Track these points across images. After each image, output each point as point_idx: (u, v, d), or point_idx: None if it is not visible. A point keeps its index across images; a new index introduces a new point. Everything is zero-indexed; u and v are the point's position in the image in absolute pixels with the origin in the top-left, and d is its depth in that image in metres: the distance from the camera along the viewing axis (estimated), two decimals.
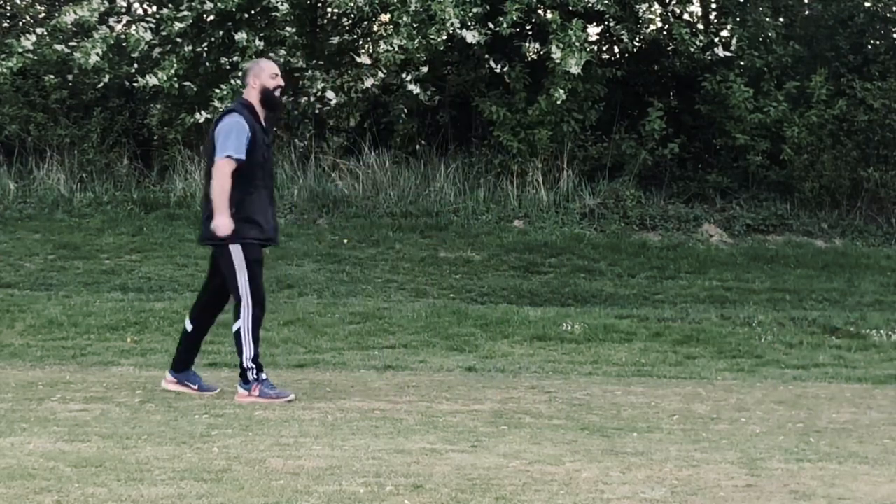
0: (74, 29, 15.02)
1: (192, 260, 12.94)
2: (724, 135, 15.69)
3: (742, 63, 15.73)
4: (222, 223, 7.66)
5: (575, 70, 14.38)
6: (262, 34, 14.96)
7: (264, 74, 7.91)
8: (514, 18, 14.53)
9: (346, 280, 12.71)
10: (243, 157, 7.70)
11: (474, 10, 14.49)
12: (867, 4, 16.47)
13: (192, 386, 8.08)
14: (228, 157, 7.67)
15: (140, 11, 16.08)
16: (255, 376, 7.80)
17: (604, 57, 16.65)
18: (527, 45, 15.39)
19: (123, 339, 9.92)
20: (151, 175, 15.68)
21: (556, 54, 14.44)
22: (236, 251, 7.74)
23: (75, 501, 5.10)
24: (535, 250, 13.90)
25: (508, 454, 6.21)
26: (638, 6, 15.59)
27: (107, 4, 14.92)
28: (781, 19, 16.48)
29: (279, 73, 8.00)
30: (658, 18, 16.21)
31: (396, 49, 14.55)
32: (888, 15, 16.53)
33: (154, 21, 14.98)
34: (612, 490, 5.48)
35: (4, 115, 15.58)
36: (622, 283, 13.19)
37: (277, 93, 7.93)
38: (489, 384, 8.67)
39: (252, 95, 7.93)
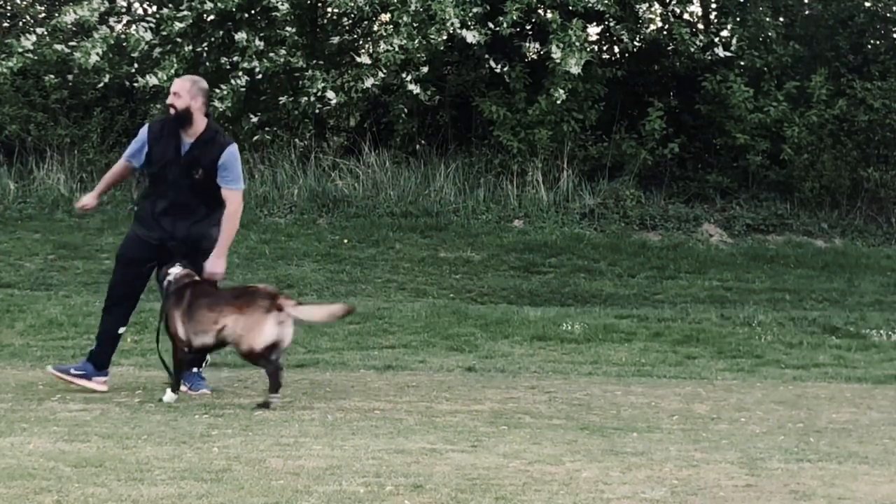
0: (74, 29, 15.01)
1: None
2: (724, 135, 15.69)
3: (742, 63, 15.72)
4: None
5: (575, 70, 14.38)
6: (262, 34, 14.96)
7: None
8: (514, 18, 14.52)
9: (346, 280, 12.71)
10: (132, 163, 8.19)
11: (474, 10, 14.49)
12: (867, 4, 16.47)
13: (185, 384, 8.07)
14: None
15: (140, 11, 16.07)
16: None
17: (604, 57, 16.64)
18: (527, 45, 15.39)
19: (123, 339, 9.90)
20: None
21: (556, 54, 14.43)
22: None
23: (75, 501, 5.11)
24: (535, 250, 13.90)
25: (508, 454, 6.21)
26: (638, 6, 15.59)
27: (107, 4, 14.91)
28: (781, 19, 16.47)
29: (173, 90, 8.00)
30: (658, 18, 16.20)
31: (396, 49, 14.55)
32: (888, 15, 16.52)
33: (154, 21, 14.97)
34: (612, 490, 5.48)
35: (4, 115, 15.57)
36: (622, 283, 13.19)
37: (170, 110, 8.03)
38: (489, 384, 8.67)
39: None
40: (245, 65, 14.71)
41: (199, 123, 7.97)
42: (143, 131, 8.14)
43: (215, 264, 7.93)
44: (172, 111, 7.99)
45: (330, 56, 15.96)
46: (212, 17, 15.22)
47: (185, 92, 7.96)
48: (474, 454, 6.20)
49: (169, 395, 7.67)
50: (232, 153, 8.00)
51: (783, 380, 9.26)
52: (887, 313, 11.95)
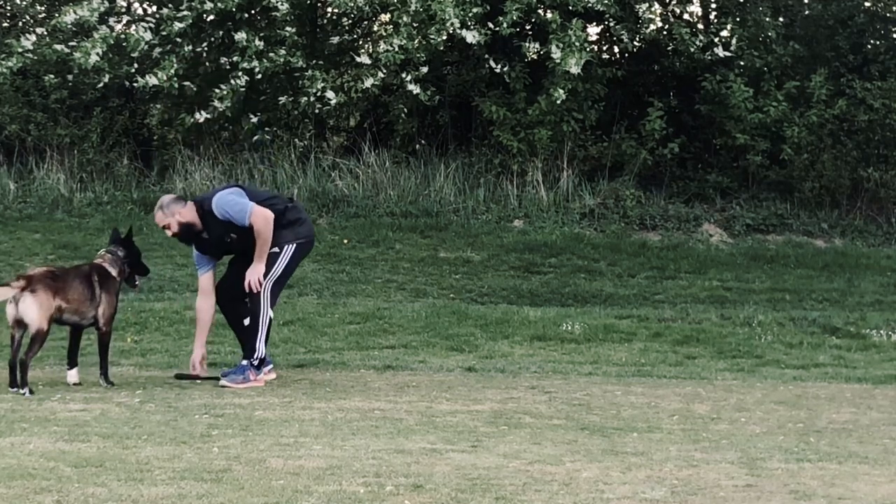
0: (74, 29, 14.99)
1: (192, 260, 12.91)
2: (724, 135, 15.69)
3: (742, 63, 15.72)
4: None
5: (575, 70, 14.38)
6: (262, 34, 14.95)
7: None
8: (514, 18, 14.52)
9: (346, 280, 12.71)
10: (205, 270, 8.73)
11: (474, 10, 14.49)
12: (867, 4, 16.47)
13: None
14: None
15: (140, 11, 16.06)
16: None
17: (604, 57, 16.63)
18: (527, 45, 15.38)
19: (123, 339, 9.92)
20: (151, 175, 15.67)
21: (556, 54, 14.43)
22: None
23: (75, 501, 5.11)
24: (535, 250, 13.90)
25: (508, 454, 6.21)
26: (638, 6, 15.59)
27: (107, 4, 14.90)
28: (781, 19, 16.48)
29: (159, 223, 8.63)
30: (658, 18, 16.20)
31: (396, 49, 14.55)
32: (888, 15, 16.53)
33: (154, 21, 14.96)
34: (612, 490, 5.48)
35: (4, 115, 15.56)
36: (622, 283, 13.19)
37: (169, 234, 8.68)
38: (489, 384, 8.67)
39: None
40: (245, 65, 14.71)
41: (195, 217, 8.44)
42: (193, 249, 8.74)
43: (251, 270, 8.34)
44: (179, 237, 8.59)
45: (330, 56, 15.95)
46: (212, 17, 15.21)
47: (164, 218, 8.49)
48: (474, 454, 6.20)
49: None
50: (218, 206, 8.37)
51: (783, 380, 9.26)
52: (887, 313, 11.94)
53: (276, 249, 8.38)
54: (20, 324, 7.91)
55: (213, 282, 8.63)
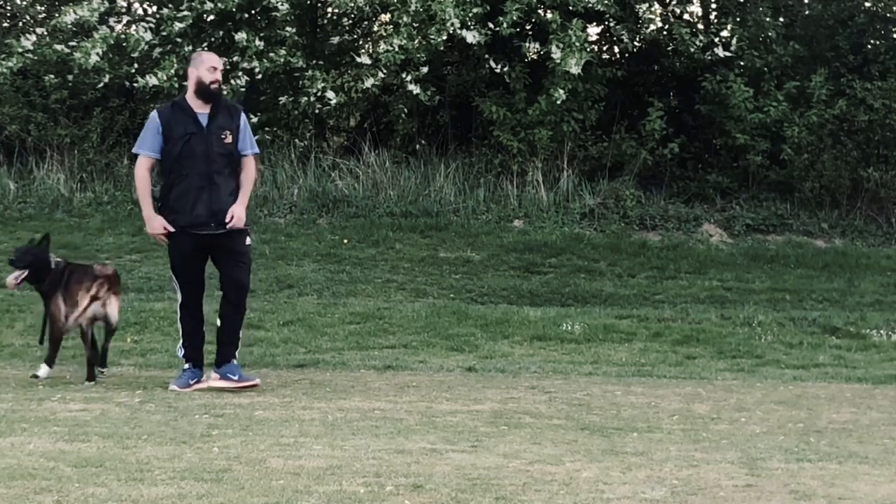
0: (74, 29, 15.00)
1: None
2: (724, 135, 15.69)
3: (742, 63, 15.73)
4: (146, 220, 8.31)
5: (575, 70, 14.38)
6: (262, 34, 14.96)
7: (202, 67, 8.13)
8: (514, 18, 14.53)
9: (346, 280, 12.71)
10: (149, 153, 8.22)
11: (474, 10, 14.50)
12: (867, 4, 16.47)
13: (233, 377, 8.26)
14: (138, 153, 8.31)
15: (140, 11, 16.07)
16: (184, 366, 8.27)
17: (604, 57, 16.64)
18: (527, 45, 15.39)
19: (123, 339, 9.92)
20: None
21: (556, 54, 14.44)
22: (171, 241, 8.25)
23: (75, 501, 5.11)
24: (535, 250, 13.90)
25: (508, 454, 6.21)
26: (638, 6, 15.60)
27: (107, 4, 14.92)
28: (781, 19, 16.48)
29: (218, 67, 8.17)
30: (658, 18, 16.21)
31: (396, 49, 14.55)
32: (888, 15, 16.53)
33: (154, 21, 14.98)
34: (612, 490, 5.48)
35: (4, 115, 15.55)
36: (622, 283, 13.19)
37: (213, 87, 8.10)
38: (489, 384, 8.68)
39: (189, 87, 8.21)
40: (245, 65, 14.72)
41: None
42: (153, 117, 8.23)
43: (238, 206, 8.13)
44: (218, 86, 8.14)
45: (330, 56, 15.95)
46: (212, 17, 15.22)
47: (218, 72, 8.22)
48: (474, 454, 6.20)
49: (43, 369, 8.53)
50: (245, 118, 8.40)
51: (783, 380, 9.26)
52: (887, 313, 11.94)
53: (249, 242, 8.33)
54: (94, 321, 8.42)
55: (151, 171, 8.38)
